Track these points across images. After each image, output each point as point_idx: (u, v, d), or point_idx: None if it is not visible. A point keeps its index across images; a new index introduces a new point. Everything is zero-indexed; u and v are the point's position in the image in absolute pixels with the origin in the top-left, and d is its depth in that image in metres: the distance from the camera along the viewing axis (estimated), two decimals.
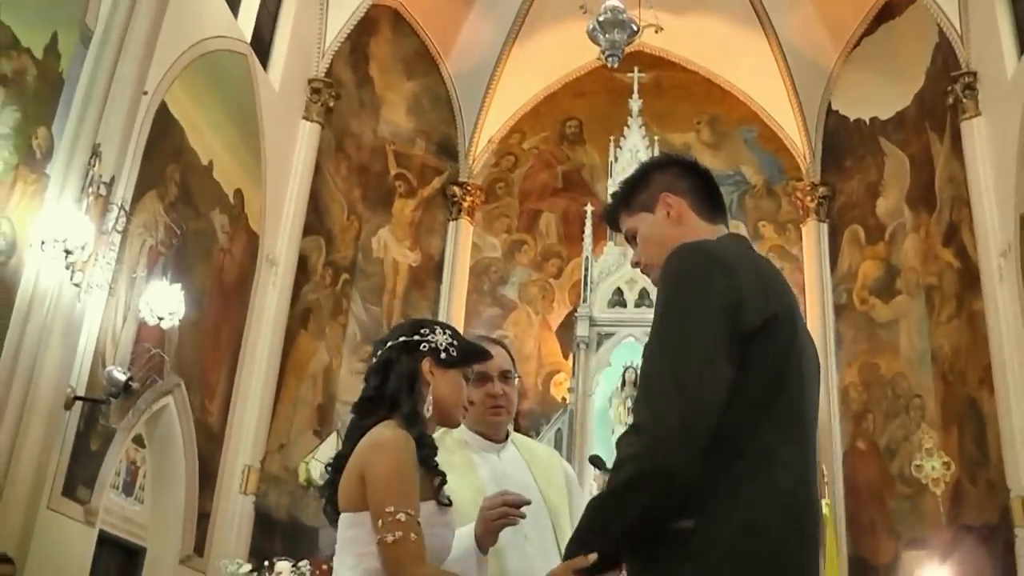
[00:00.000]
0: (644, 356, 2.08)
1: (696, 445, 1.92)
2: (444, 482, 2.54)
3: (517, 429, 12.43)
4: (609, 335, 13.55)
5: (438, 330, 2.70)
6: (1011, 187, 10.73)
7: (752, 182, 15.29)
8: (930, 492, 11.29)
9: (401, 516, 2.33)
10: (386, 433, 2.49)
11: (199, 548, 10.82)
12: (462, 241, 15.29)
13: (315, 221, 13.34)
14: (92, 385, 8.74)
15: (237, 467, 11.61)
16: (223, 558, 11.24)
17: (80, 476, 8.67)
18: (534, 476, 3.33)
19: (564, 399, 13.75)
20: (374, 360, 2.70)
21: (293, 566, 4.12)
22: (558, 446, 12.65)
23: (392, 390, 2.59)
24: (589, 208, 14.14)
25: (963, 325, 12.02)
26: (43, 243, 7.96)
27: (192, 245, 10.48)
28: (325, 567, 4.28)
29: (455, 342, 2.69)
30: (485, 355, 2.83)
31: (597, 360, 12.97)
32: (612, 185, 14.29)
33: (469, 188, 15.44)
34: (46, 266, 8.06)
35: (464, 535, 2.74)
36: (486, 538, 2.78)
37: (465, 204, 15.36)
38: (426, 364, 2.62)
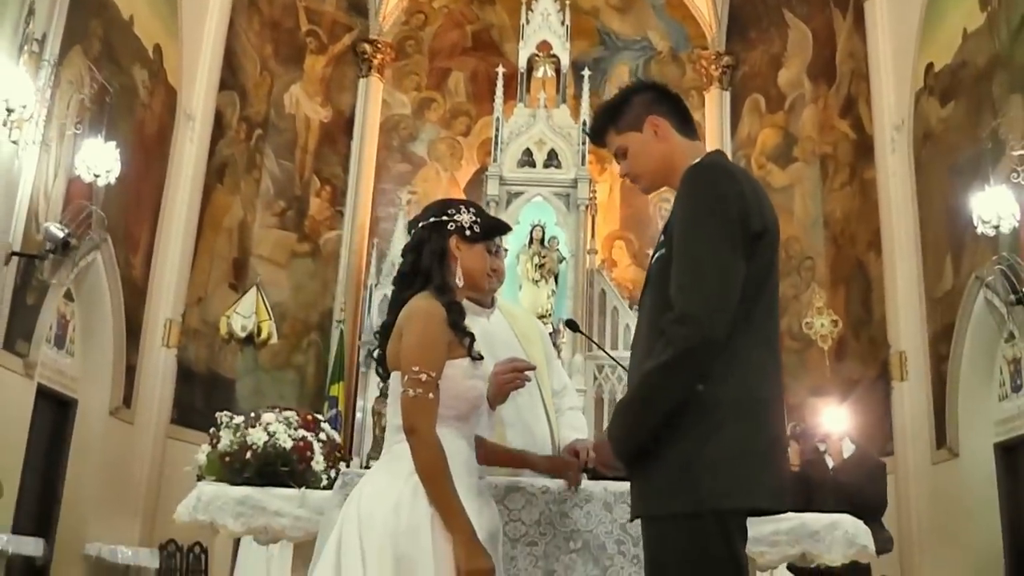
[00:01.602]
0: (679, 254, 2.56)
1: (728, 322, 2.47)
2: (473, 340, 2.88)
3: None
4: (518, 194, 14.00)
5: (463, 209, 3.01)
6: (908, 65, 11.25)
7: (658, 48, 15.52)
8: (817, 347, 12.08)
9: (423, 376, 2.68)
10: (420, 304, 2.83)
11: (127, 400, 11.09)
12: (372, 98, 15.30)
13: (229, 77, 13.21)
14: (26, 241, 8.82)
15: (159, 321, 11.79)
16: (149, 410, 11.56)
17: (19, 330, 8.79)
18: (516, 336, 3.80)
19: None
20: (408, 240, 3.05)
21: (280, 415, 4.47)
22: None
23: (425, 266, 2.92)
24: (500, 69, 14.33)
25: (855, 192, 12.75)
26: None
27: (116, 101, 10.39)
28: (310, 417, 4.63)
29: (478, 219, 3.01)
30: (505, 228, 3.20)
31: (506, 217, 13.31)
32: (524, 47, 14.59)
33: (379, 45, 15.36)
34: None
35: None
36: (496, 397, 3.15)
37: (375, 61, 15.32)
38: (453, 241, 2.95)
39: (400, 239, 13.93)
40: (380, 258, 13.92)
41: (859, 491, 6.55)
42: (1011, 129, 8.97)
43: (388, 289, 13.32)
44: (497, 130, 14.04)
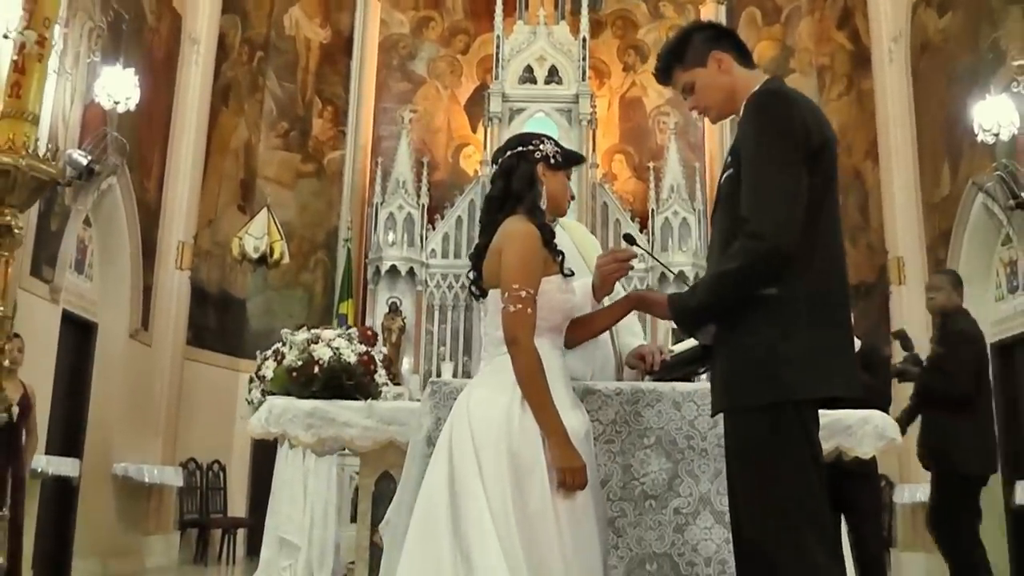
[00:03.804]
0: (748, 175, 2.80)
1: (795, 235, 2.71)
2: (564, 258, 3.17)
3: (431, 200, 13.21)
4: (520, 110, 14.20)
5: (545, 140, 3.30)
6: None
7: None
8: None
9: (522, 293, 2.96)
10: (518, 226, 3.10)
11: (145, 322, 11.33)
12: (371, 17, 15.29)
13: None
14: None
15: (173, 243, 12.00)
16: (166, 331, 11.81)
17: (44, 256, 8.96)
18: (578, 249, 4.04)
19: (476, 171, 14.38)
20: (495, 167, 3.32)
21: (343, 331, 4.68)
22: (471, 216, 13.47)
23: (516, 189, 3.19)
24: None
25: (852, 102, 12.93)
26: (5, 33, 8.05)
27: (127, 27, 10.48)
28: (370, 333, 4.85)
29: (559, 149, 3.30)
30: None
31: (509, 134, 13.49)
32: None
33: None
34: (4, 52, 8.16)
35: (584, 286, 3.38)
36: (603, 288, 3.41)
37: None
38: (540, 168, 3.23)
39: (404, 157, 14.11)
40: (384, 176, 14.10)
41: (863, 386, 6.75)
42: (1011, 40, 9.16)
43: (393, 207, 13.66)
44: (498, 47, 14.19)
